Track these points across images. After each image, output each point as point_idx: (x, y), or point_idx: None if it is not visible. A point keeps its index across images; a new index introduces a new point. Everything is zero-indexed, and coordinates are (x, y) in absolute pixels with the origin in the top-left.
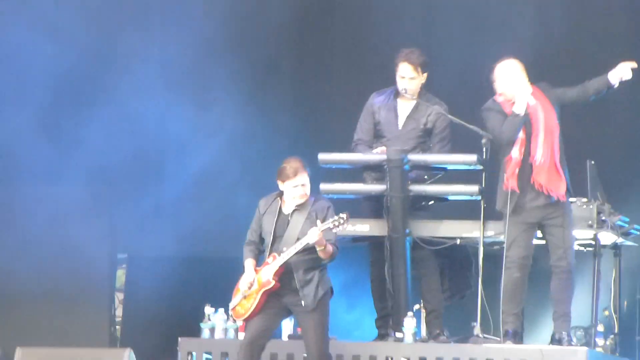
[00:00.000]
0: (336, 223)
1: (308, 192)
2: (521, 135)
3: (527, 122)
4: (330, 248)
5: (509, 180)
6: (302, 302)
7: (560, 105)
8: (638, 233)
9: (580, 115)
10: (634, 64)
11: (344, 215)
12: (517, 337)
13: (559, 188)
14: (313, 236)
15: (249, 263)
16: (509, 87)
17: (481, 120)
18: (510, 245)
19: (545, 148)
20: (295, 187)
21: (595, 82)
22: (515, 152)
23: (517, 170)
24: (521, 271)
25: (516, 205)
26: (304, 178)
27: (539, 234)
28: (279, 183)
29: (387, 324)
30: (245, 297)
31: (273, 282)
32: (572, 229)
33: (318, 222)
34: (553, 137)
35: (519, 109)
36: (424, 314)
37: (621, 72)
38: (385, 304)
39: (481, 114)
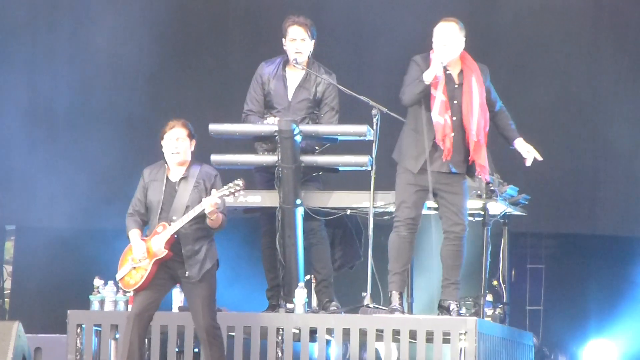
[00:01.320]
0: (232, 190)
1: (182, 149)
2: (443, 98)
3: (457, 92)
4: (220, 217)
5: (441, 143)
6: (187, 273)
7: None
8: (527, 202)
9: None
10: (537, 158)
11: (239, 182)
12: (401, 302)
13: (484, 169)
14: (209, 204)
15: (134, 234)
16: (438, 49)
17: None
18: (400, 205)
19: (479, 125)
20: (170, 141)
21: (509, 133)
22: (438, 117)
23: (451, 134)
24: (408, 231)
25: (424, 166)
26: (179, 132)
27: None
28: (161, 142)
29: (278, 294)
30: (135, 268)
31: (166, 252)
32: (467, 196)
33: (213, 190)
34: (485, 116)
35: (427, 76)
36: (314, 284)
37: (525, 154)
38: (276, 275)
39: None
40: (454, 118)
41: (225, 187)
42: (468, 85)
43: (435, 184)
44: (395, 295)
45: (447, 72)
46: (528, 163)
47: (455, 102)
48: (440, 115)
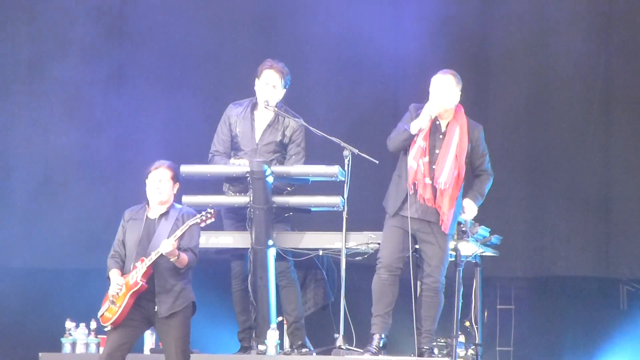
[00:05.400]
0: (204, 217)
1: (164, 191)
2: (422, 144)
3: (440, 142)
4: (184, 257)
5: (411, 186)
6: (156, 308)
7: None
8: (499, 243)
9: None
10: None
11: (211, 210)
12: (381, 344)
13: (449, 219)
14: (166, 247)
15: (114, 273)
16: (431, 100)
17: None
18: (383, 247)
19: (449, 175)
20: (153, 181)
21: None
22: (412, 162)
23: (424, 180)
24: (388, 273)
25: (401, 209)
26: (163, 173)
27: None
28: (146, 181)
29: (250, 336)
30: (113, 302)
31: (141, 283)
32: (446, 249)
33: (178, 231)
34: (460, 168)
35: (413, 127)
36: (286, 326)
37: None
38: (248, 317)
39: None
40: (433, 166)
41: (198, 215)
42: (449, 136)
43: (417, 231)
44: (376, 338)
45: (437, 122)
46: (463, 217)
47: (437, 151)
48: (414, 160)
